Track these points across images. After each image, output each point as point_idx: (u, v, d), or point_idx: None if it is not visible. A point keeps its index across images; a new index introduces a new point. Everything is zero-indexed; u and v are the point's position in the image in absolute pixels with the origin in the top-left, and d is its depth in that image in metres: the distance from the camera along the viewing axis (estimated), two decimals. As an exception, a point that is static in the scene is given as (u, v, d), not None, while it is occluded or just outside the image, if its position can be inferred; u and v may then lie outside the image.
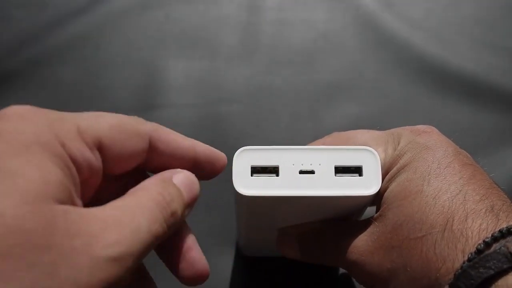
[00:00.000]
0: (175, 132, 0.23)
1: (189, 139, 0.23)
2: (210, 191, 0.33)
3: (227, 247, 0.39)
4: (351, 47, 0.47)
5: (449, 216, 0.21)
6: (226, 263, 0.38)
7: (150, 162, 0.22)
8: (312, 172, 0.24)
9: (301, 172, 0.24)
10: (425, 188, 0.23)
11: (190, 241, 0.23)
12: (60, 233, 0.16)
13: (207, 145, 0.24)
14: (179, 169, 0.22)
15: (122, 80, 0.45)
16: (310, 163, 0.24)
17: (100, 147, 0.20)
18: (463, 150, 0.25)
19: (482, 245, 0.20)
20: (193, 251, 0.23)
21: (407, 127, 0.26)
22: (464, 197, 0.22)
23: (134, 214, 0.18)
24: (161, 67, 0.46)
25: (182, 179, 0.22)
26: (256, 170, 0.24)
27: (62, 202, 0.17)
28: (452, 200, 0.22)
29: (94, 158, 0.19)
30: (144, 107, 0.44)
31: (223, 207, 0.39)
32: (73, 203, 0.18)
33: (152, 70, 0.46)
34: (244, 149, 0.24)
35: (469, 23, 0.48)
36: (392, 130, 0.27)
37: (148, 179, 0.21)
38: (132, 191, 0.20)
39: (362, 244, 0.24)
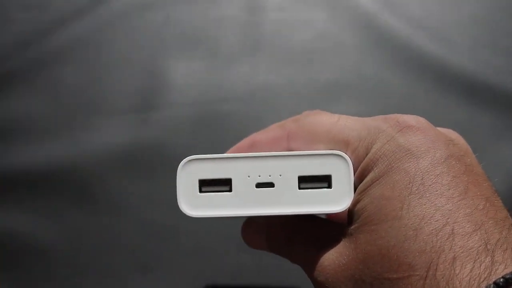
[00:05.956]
0: None
1: None
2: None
3: (230, 245, 0.39)
4: (351, 46, 0.47)
5: (432, 257, 0.17)
6: (229, 261, 0.39)
7: None
8: (271, 185, 0.21)
9: (258, 185, 0.21)
10: (404, 213, 0.18)
11: None
12: None
13: None
14: None
15: (123, 81, 0.46)
16: (268, 173, 0.21)
17: None
18: (459, 147, 0.21)
19: None
20: None
21: (389, 116, 0.22)
22: (452, 229, 0.17)
23: None
24: (162, 67, 0.46)
25: None
26: (206, 184, 0.21)
27: None
28: (437, 234, 0.17)
29: None
30: (145, 107, 0.44)
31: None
32: None
33: (153, 70, 0.46)
34: (190, 159, 0.21)
35: (469, 23, 0.48)
36: (370, 120, 0.22)
37: None
38: None
39: (330, 265, 0.21)
